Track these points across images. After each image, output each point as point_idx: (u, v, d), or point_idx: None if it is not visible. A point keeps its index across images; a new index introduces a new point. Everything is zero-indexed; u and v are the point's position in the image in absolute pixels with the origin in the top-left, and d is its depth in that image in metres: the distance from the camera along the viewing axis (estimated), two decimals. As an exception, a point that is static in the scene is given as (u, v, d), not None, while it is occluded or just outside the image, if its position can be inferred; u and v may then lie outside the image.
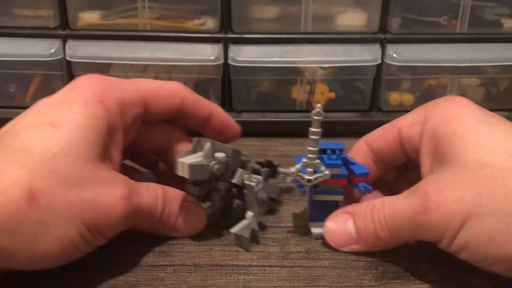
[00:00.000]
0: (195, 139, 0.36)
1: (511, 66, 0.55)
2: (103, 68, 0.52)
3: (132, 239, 0.36)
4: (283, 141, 0.53)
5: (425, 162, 0.34)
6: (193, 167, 0.33)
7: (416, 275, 0.33)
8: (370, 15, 0.54)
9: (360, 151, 0.39)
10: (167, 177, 0.39)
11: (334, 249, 0.35)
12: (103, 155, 0.32)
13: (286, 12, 0.53)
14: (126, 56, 0.52)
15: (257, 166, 0.40)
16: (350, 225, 0.34)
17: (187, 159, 0.33)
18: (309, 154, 0.34)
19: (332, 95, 0.56)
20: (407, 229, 0.32)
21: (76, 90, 0.33)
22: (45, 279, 0.32)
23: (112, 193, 0.31)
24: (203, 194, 0.36)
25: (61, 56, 0.52)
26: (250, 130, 0.53)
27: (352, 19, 0.54)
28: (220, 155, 0.35)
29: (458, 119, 0.32)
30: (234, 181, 0.36)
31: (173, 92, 0.37)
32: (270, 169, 0.40)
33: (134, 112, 0.35)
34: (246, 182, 0.36)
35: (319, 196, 0.36)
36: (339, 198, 0.37)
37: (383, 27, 0.54)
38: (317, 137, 0.33)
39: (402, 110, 0.53)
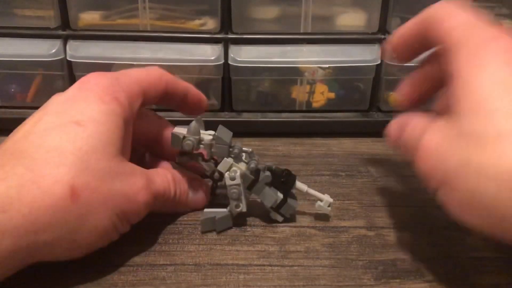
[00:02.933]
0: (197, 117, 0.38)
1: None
2: (104, 68, 0.51)
3: (133, 239, 0.36)
4: (283, 141, 0.53)
5: (448, 89, 0.30)
6: (172, 135, 0.36)
7: (416, 274, 0.33)
8: (369, 16, 0.54)
9: None
10: (154, 167, 0.41)
11: (334, 249, 0.35)
12: (122, 149, 0.34)
13: (286, 12, 0.53)
14: (127, 56, 0.52)
15: (266, 168, 0.37)
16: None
17: (177, 129, 0.36)
18: None
19: (332, 95, 0.56)
20: None
21: (87, 88, 0.34)
22: (47, 276, 0.32)
23: (134, 184, 0.33)
24: (187, 164, 0.39)
25: (62, 56, 0.52)
26: (250, 130, 0.53)
27: (351, 19, 0.54)
28: (207, 137, 0.36)
29: (484, 69, 0.28)
30: (218, 167, 0.37)
31: (159, 76, 0.38)
32: (277, 177, 0.37)
33: (138, 105, 0.37)
34: (226, 172, 0.36)
35: None
36: None
37: (382, 28, 0.54)
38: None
39: (402, 110, 0.52)
